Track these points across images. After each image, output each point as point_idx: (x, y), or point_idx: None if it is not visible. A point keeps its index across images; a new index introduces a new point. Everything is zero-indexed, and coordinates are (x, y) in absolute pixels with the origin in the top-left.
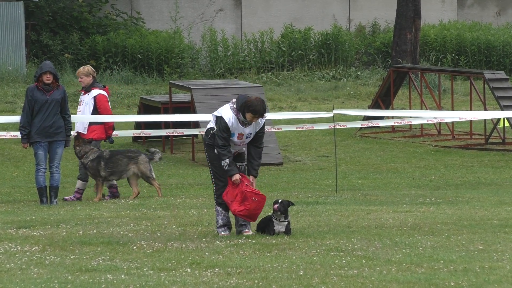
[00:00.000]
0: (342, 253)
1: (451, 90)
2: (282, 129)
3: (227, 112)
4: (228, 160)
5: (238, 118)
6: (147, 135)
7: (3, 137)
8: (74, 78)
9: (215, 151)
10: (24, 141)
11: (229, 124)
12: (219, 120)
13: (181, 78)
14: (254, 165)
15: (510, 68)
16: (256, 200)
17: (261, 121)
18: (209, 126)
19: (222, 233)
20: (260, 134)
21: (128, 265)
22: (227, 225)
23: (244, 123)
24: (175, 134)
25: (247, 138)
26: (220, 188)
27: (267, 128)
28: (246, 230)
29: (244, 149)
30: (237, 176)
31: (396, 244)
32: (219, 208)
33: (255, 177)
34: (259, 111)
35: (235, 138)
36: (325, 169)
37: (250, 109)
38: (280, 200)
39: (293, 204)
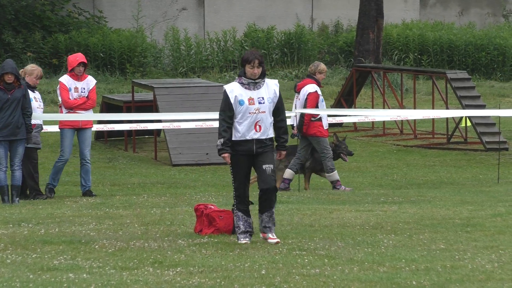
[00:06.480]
0: (304, 252)
1: (413, 90)
2: None
3: (230, 84)
4: (222, 140)
5: (242, 83)
6: (110, 129)
7: None
8: None
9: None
10: None
11: (231, 94)
12: (223, 94)
13: (144, 77)
14: (281, 141)
15: (472, 67)
16: (222, 218)
17: (273, 84)
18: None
19: (242, 240)
20: (278, 105)
21: (90, 264)
22: (249, 231)
23: (250, 85)
24: (138, 128)
25: (260, 103)
26: (240, 193)
27: None
28: (271, 236)
29: (266, 134)
30: (225, 155)
31: (358, 243)
32: (239, 213)
33: (285, 151)
34: (250, 56)
35: (246, 105)
36: None
37: (244, 62)
38: None
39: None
